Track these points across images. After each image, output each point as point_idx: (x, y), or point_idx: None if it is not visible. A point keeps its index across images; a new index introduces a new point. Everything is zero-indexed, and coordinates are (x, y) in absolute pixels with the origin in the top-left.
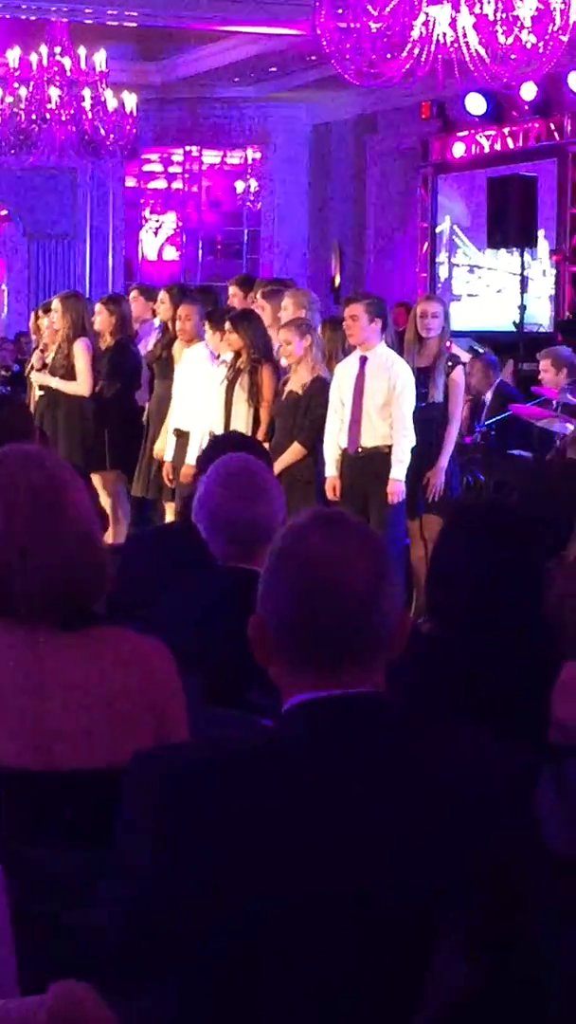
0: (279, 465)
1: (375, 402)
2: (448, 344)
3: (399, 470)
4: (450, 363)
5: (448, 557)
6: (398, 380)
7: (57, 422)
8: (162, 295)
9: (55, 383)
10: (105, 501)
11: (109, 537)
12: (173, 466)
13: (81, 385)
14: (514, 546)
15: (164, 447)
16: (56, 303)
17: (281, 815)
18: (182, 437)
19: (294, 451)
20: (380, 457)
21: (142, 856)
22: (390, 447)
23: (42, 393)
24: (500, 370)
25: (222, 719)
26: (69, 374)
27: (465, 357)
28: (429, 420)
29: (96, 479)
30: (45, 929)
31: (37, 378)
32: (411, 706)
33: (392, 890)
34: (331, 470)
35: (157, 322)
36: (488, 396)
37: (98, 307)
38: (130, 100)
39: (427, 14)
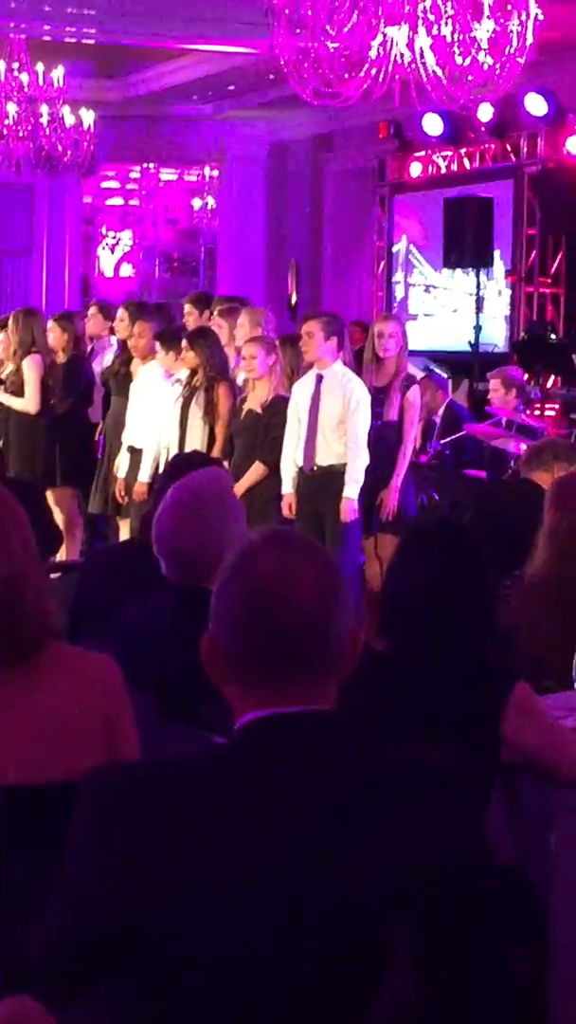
0: (242, 485)
1: (330, 420)
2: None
3: (352, 488)
4: (405, 383)
5: (402, 575)
6: (352, 398)
7: (9, 438)
8: (121, 312)
9: (4, 399)
10: (58, 517)
11: (63, 554)
12: (126, 483)
13: (29, 401)
14: (467, 565)
15: (119, 463)
16: (10, 319)
17: (222, 832)
18: (136, 454)
19: (256, 470)
20: (335, 475)
21: (79, 868)
22: (345, 465)
23: None
24: (450, 390)
25: (174, 735)
26: (20, 390)
27: (420, 376)
28: (384, 439)
29: (49, 495)
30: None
31: None
32: (361, 723)
33: (334, 907)
34: (287, 488)
35: (114, 339)
36: (438, 417)
37: (50, 324)
38: (88, 117)
39: (385, 34)
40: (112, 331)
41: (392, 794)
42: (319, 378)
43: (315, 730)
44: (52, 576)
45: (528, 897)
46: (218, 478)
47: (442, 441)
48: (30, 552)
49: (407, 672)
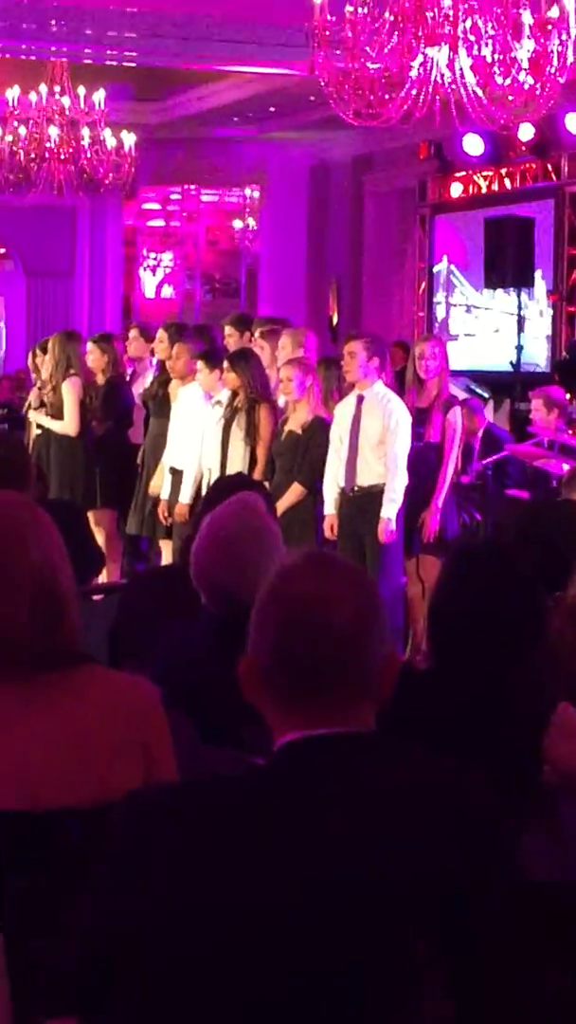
0: (281, 506)
1: (370, 440)
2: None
3: (390, 509)
4: (446, 404)
5: (448, 597)
6: (392, 418)
7: (50, 460)
8: (160, 333)
9: (46, 422)
10: (99, 538)
11: (104, 576)
12: (168, 504)
13: (68, 424)
14: (514, 588)
15: (160, 485)
16: (50, 342)
17: (258, 853)
18: (177, 475)
19: (295, 491)
20: (375, 496)
21: (109, 890)
22: (385, 486)
23: (39, 432)
24: (487, 414)
25: (214, 757)
26: (59, 413)
27: (463, 397)
28: (425, 461)
29: (89, 516)
30: (30, 966)
31: (33, 416)
32: (400, 743)
33: (365, 925)
34: (329, 508)
35: (155, 361)
36: (477, 441)
37: (89, 346)
38: (129, 139)
39: (425, 55)
40: (153, 353)
41: (420, 814)
42: (360, 399)
43: (352, 751)
44: (94, 598)
45: (569, 919)
46: (253, 507)
47: (484, 462)
48: (56, 564)
49: (451, 692)
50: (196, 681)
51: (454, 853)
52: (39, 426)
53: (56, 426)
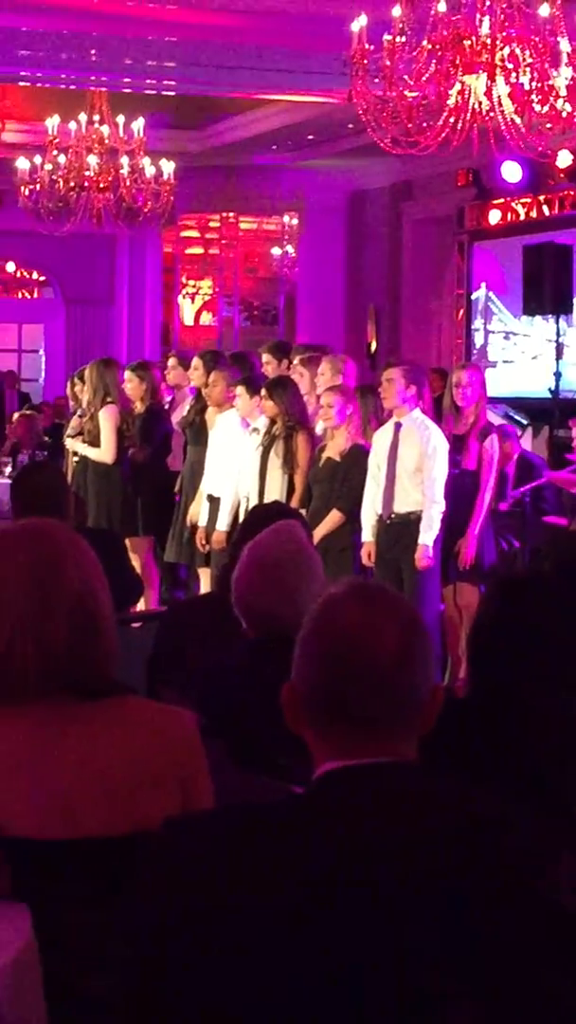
0: (319, 533)
1: (407, 468)
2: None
3: (427, 536)
4: (483, 431)
5: (488, 626)
6: (429, 444)
7: (87, 487)
8: (195, 361)
9: (82, 449)
10: (136, 565)
11: (142, 604)
12: (206, 532)
13: (104, 451)
14: (554, 616)
15: (198, 512)
16: (87, 370)
17: (294, 884)
18: (215, 503)
19: (333, 518)
20: (412, 523)
21: (145, 922)
22: (422, 513)
23: (77, 459)
24: (521, 441)
25: (252, 786)
26: (96, 440)
27: (497, 423)
28: (462, 487)
29: (128, 544)
30: (66, 995)
31: (70, 444)
32: (439, 775)
33: (403, 960)
34: (367, 536)
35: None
36: (511, 468)
37: (127, 374)
38: (168, 167)
39: (463, 83)
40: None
41: (458, 848)
42: (397, 426)
43: (394, 781)
44: (133, 625)
45: None
46: (291, 534)
47: (521, 489)
48: (94, 591)
49: (491, 721)
50: (234, 709)
51: (490, 891)
52: (76, 453)
53: (92, 453)
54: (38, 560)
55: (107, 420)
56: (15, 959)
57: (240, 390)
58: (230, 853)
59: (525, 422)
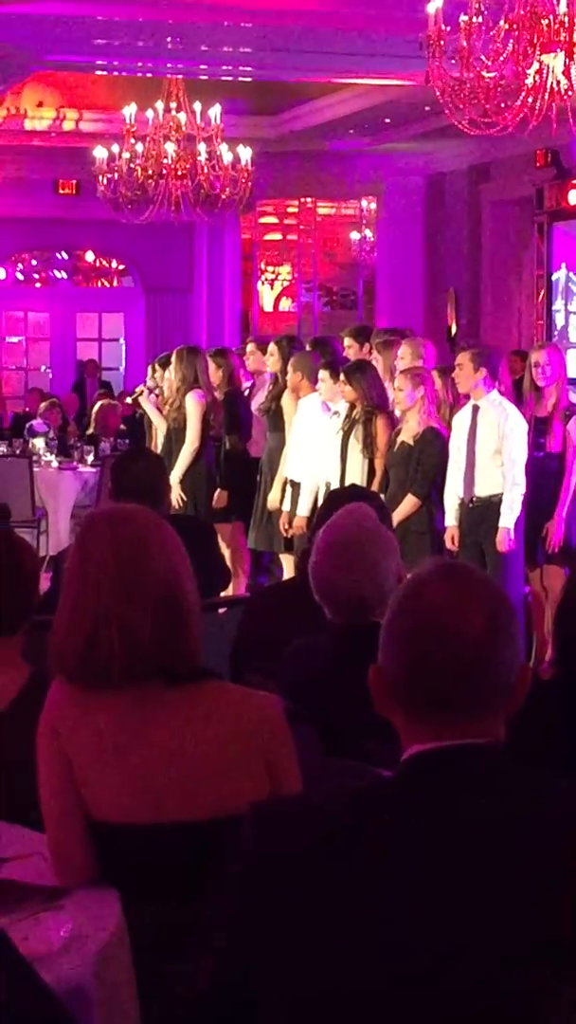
0: (396, 517)
1: (486, 450)
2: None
3: (508, 518)
4: (566, 412)
5: (574, 607)
6: (506, 426)
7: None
8: (272, 347)
9: (150, 409)
10: (224, 552)
11: (230, 590)
12: (288, 517)
13: (190, 438)
14: None
15: (277, 499)
16: (173, 357)
17: (384, 868)
18: (296, 488)
19: (408, 503)
20: (493, 506)
21: (237, 908)
22: (503, 495)
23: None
24: None
25: (338, 769)
26: (182, 426)
27: None
28: (547, 470)
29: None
30: (151, 980)
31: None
32: (526, 758)
33: (494, 949)
34: (450, 520)
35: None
36: None
37: None
38: (245, 153)
39: (541, 62)
40: None
41: (543, 833)
42: (475, 409)
43: (482, 763)
44: (219, 611)
45: None
46: (363, 515)
47: None
48: (181, 577)
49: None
50: (320, 693)
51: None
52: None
53: (156, 419)
54: (124, 546)
55: (194, 407)
56: (106, 942)
57: (324, 374)
58: (320, 838)
59: None
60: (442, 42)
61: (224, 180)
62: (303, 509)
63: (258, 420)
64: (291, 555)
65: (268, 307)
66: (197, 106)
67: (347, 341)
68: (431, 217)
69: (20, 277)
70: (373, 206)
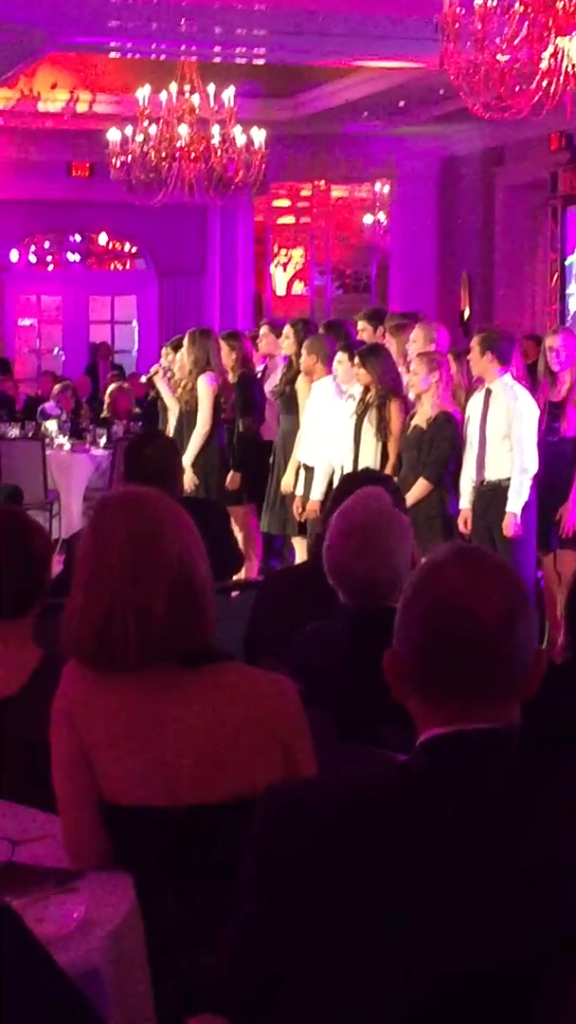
0: (408, 500)
1: (496, 434)
2: None
3: (515, 503)
4: None
5: None
6: (514, 408)
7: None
8: (287, 330)
9: (163, 388)
10: (237, 535)
11: (243, 573)
12: (301, 500)
13: (202, 419)
14: None
15: (290, 483)
16: (185, 339)
17: (399, 852)
18: (309, 472)
19: (420, 486)
20: (503, 490)
21: (251, 891)
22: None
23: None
24: None
25: (353, 754)
26: (193, 408)
27: None
28: (561, 455)
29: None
30: (165, 964)
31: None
32: (542, 739)
33: (506, 935)
34: (464, 503)
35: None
36: None
37: None
38: (258, 136)
39: (556, 46)
40: None
41: (560, 817)
42: (488, 392)
43: (497, 747)
44: (233, 595)
45: None
46: (377, 498)
47: None
48: (194, 559)
49: None
50: (334, 678)
51: None
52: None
53: (169, 400)
54: (137, 530)
55: (205, 388)
56: (119, 925)
57: (341, 356)
58: (335, 822)
59: None
60: (457, 25)
61: (237, 163)
62: (316, 493)
63: (271, 403)
64: (304, 539)
65: (281, 290)
66: (211, 88)
67: (361, 324)
68: (445, 201)
69: (33, 259)
70: (387, 189)
